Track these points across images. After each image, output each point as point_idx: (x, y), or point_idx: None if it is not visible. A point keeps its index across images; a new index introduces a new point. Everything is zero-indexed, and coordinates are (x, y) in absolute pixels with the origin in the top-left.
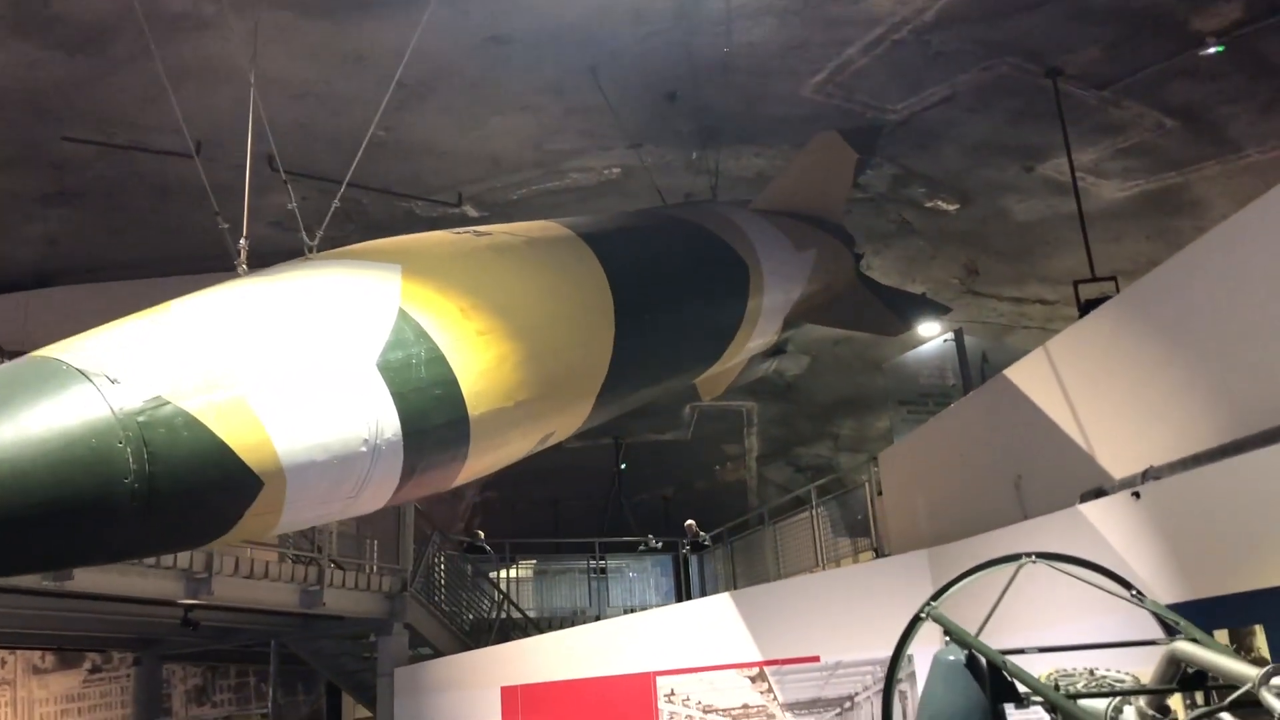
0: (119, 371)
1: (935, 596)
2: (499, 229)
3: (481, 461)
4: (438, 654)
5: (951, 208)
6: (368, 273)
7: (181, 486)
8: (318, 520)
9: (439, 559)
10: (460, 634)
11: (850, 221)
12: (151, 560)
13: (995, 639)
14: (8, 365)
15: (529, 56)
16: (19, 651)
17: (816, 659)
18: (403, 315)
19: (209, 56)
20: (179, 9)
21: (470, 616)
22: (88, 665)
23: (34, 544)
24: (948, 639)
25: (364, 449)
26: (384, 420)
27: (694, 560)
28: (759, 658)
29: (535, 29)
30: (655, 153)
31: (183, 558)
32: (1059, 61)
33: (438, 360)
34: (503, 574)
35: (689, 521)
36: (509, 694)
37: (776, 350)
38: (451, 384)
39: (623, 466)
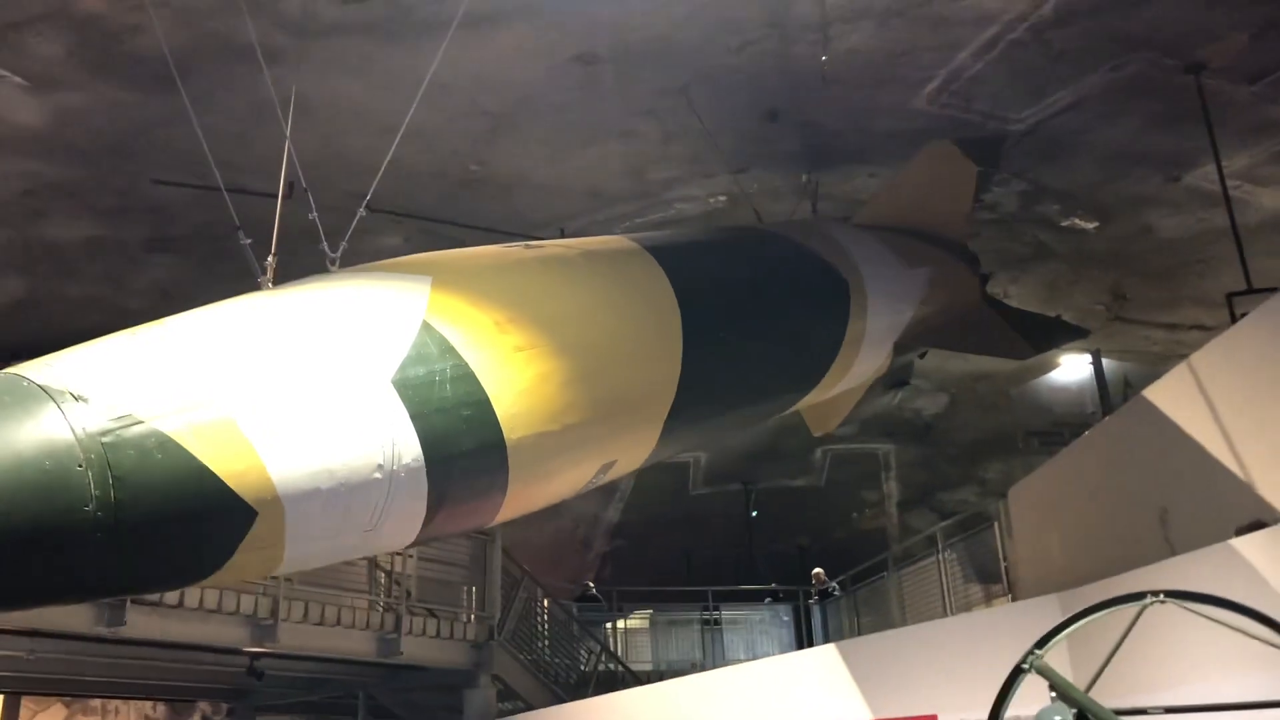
0: (89, 388)
1: (1041, 644)
2: (554, 243)
3: (527, 493)
4: (528, 708)
5: (1090, 226)
6: (392, 284)
7: (155, 516)
8: (337, 556)
9: (537, 606)
10: (555, 687)
11: (980, 245)
12: (212, 605)
13: (1114, 697)
14: None
15: (618, 77)
16: (132, 702)
17: (934, 718)
18: (426, 328)
19: (288, 91)
20: (247, 40)
21: (568, 668)
22: (198, 716)
23: None
24: (1054, 695)
25: (379, 476)
26: (402, 444)
27: (817, 611)
28: (869, 716)
29: (621, 46)
30: (760, 178)
31: (246, 603)
32: (1200, 54)
33: (466, 378)
34: (618, 625)
35: (816, 570)
36: None
37: (899, 382)
38: (483, 404)
39: (754, 515)
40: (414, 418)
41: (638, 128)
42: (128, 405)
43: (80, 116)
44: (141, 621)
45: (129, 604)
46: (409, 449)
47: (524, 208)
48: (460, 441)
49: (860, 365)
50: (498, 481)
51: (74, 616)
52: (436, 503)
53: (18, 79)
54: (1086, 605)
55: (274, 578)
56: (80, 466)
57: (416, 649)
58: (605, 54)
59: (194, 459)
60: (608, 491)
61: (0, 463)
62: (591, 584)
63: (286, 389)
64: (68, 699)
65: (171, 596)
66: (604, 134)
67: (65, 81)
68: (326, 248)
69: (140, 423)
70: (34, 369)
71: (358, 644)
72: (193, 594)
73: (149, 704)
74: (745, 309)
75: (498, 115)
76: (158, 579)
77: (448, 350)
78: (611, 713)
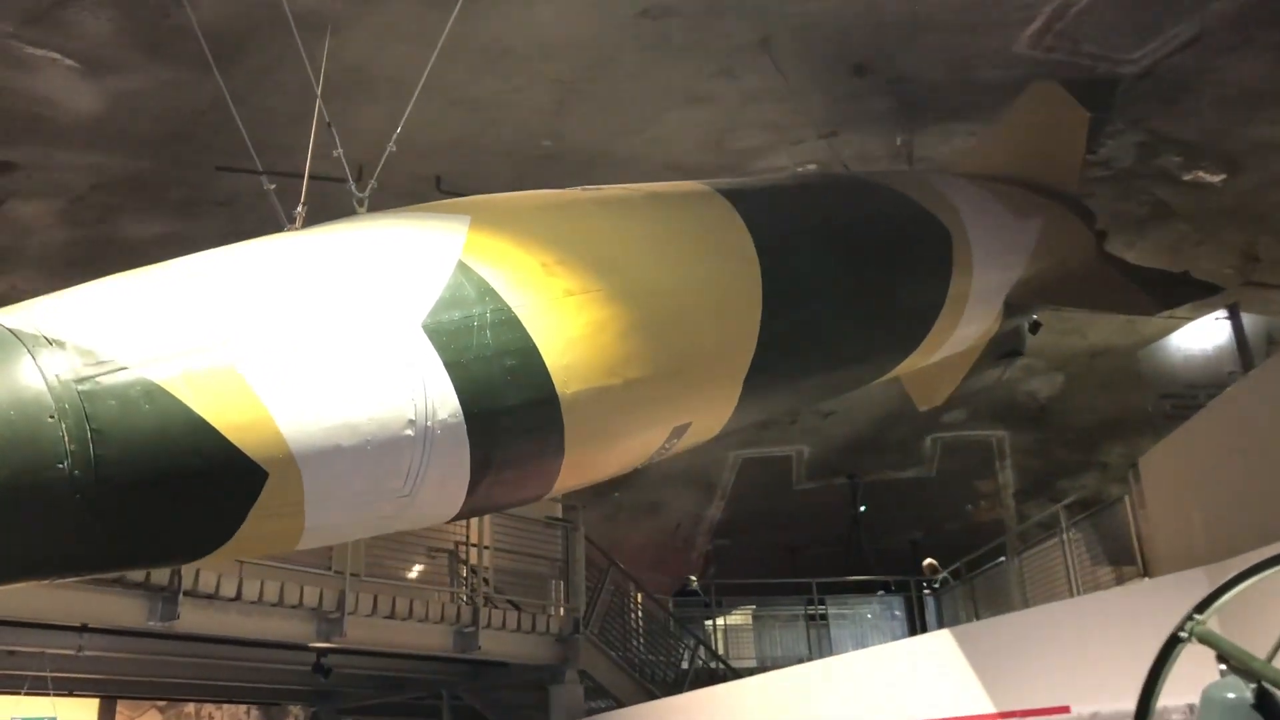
0: (68, 331)
1: (1201, 607)
2: (615, 186)
3: (588, 457)
4: (619, 705)
5: (1216, 179)
6: (424, 223)
7: (144, 476)
8: (370, 527)
9: (629, 601)
10: (648, 684)
11: (1092, 207)
12: (274, 597)
13: None
14: None
15: (690, 33)
16: (226, 707)
17: (1067, 709)
18: (463, 269)
19: (351, 66)
20: (304, 6)
21: (665, 665)
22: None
23: None
24: (1224, 667)
25: (410, 433)
26: (436, 396)
27: (931, 603)
28: (992, 709)
29: None
30: (852, 141)
31: (310, 594)
32: None
33: (509, 323)
34: (718, 621)
35: (928, 561)
36: None
37: (1011, 352)
38: (529, 353)
39: (862, 509)
40: (449, 366)
41: (714, 91)
42: (111, 350)
43: (137, 101)
44: (195, 616)
45: (181, 596)
46: (445, 402)
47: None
48: (504, 394)
49: (966, 326)
50: (552, 442)
51: (124, 611)
52: (481, 465)
53: (69, 61)
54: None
55: (338, 570)
56: (52, 418)
57: (496, 643)
58: (675, 3)
59: (188, 410)
60: (707, 488)
61: None
62: (693, 579)
63: (298, 333)
64: (162, 704)
65: (228, 588)
66: (678, 100)
67: (117, 63)
68: (354, 187)
69: (124, 369)
70: (6, 313)
71: (433, 638)
72: (251, 585)
73: (243, 708)
74: (832, 258)
75: (566, 84)
76: (152, 551)
77: (487, 293)
78: (711, 707)
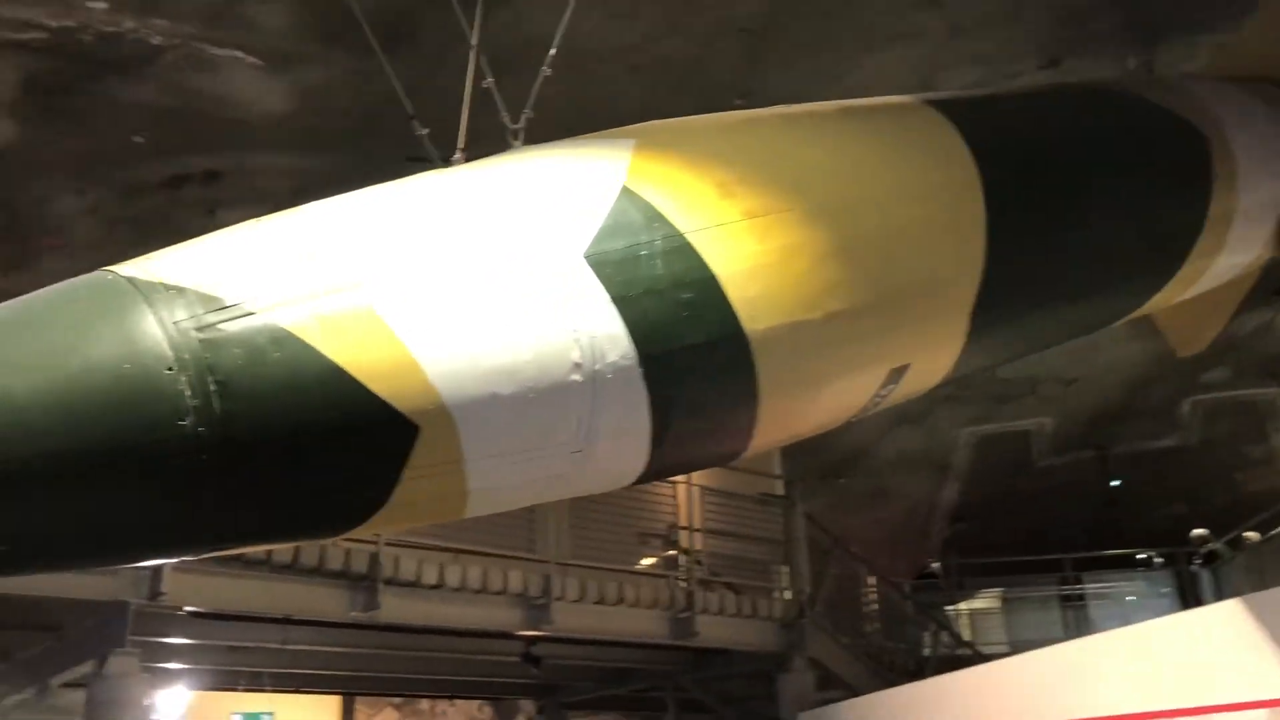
0: (188, 277)
1: None
2: (803, 105)
3: (789, 404)
4: (853, 693)
5: None
6: (585, 150)
7: (276, 432)
8: (544, 489)
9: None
10: (888, 673)
11: None
12: (476, 583)
13: None
14: (51, 288)
15: None
16: (458, 702)
17: None
18: (627, 194)
19: (521, 36)
20: None
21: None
22: (523, 717)
23: (45, 519)
24: None
25: (577, 378)
26: (604, 335)
27: (1205, 576)
28: None
29: None
30: (1075, 68)
31: (515, 580)
32: None
33: (682, 250)
34: (963, 605)
35: (1196, 531)
36: None
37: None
38: (708, 284)
39: (1115, 483)
40: (617, 301)
41: (918, 24)
42: (235, 294)
43: (323, 95)
44: (397, 605)
45: (382, 585)
46: (615, 342)
47: None
48: (682, 332)
49: (1230, 254)
50: (743, 387)
51: (326, 601)
52: (663, 414)
53: (252, 59)
54: None
55: (544, 559)
56: (170, 370)
57: (714, 629)
58: None
59: (323, 358)
60: (939, 469)
61: (64, 370)
62: (933, 562)
63: (443, 270)
64: (398, 700)
65: (430, 575)
66: (878, 39)
67: (298, 56)
68: (506, 118)
69: (250, 314)
70: (127, 264)
71: (646, 625)
72: (453, 571)
73: (474, 704)
74: (1065, 171)
75: (755, 31)
76: (294, 521)
77: (655, 218)
78: (959, 692)
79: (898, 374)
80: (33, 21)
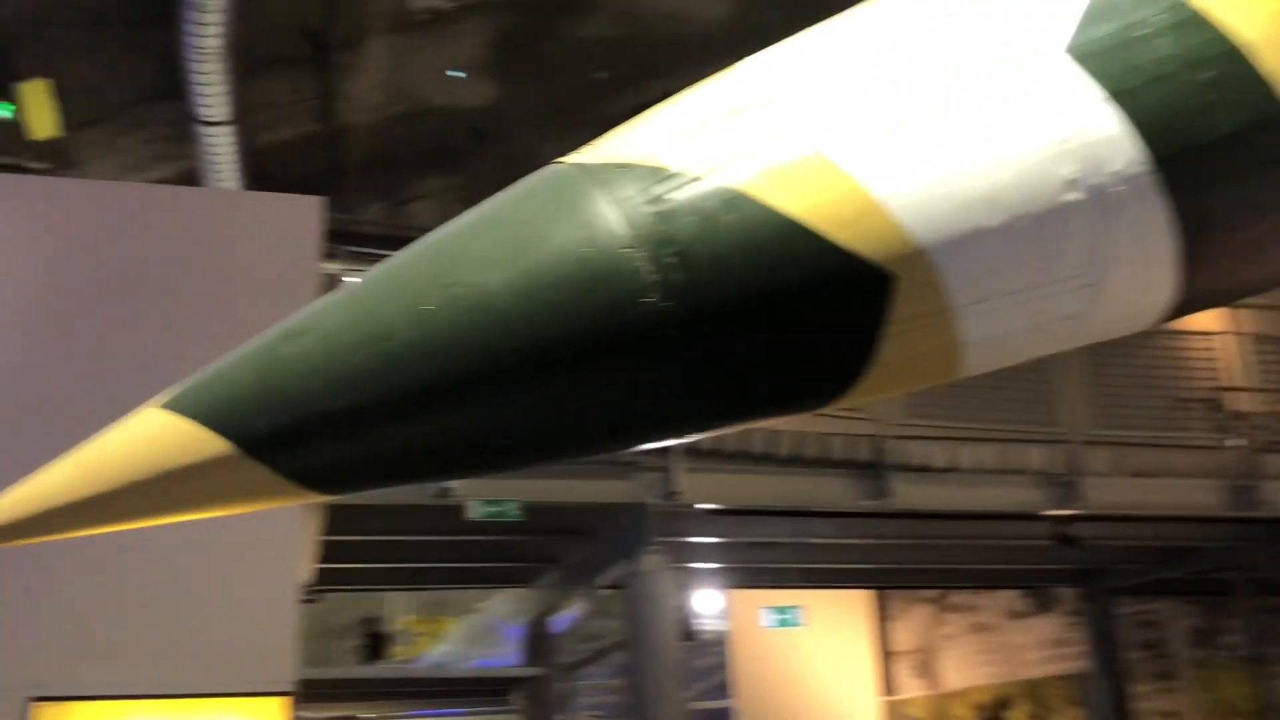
0: (632, 153)
1: None
2: None
3: None
4: None
5: None
6: None
7: (741, 300)
8: (1054, 338)
9: None
10: None
11: None
12: (993, 464)
13: None
14: (508, 188)
15: None
16: (994, 593)
17: None
18: None
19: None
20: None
21: None
22: (1061, 608)
23: (529, 413)
24: None
25: (1074, 196)
26: (1103, 141)
27: None
28: None
29: None
30: None
31: (1035, 457)
32: None
33: (1190, 22)
34: None
35: None
36: None
37: None
38: (1232, 58)
39: None
40: (1115, 97)
41: None
42: (680, 161)
43: None
44: (908, 491)
45: (889, 471)
46: (1118, 147)
47: None
48: (1205, 122)
49: None
50: None
51: (836, 492)
52: (1191, 229)
53: None
54: None
55: (1065, 438)
56: (627, 248)
57: None
58: None
59: (777, 214)
60: None
61: (530, 262)
62: None
63: (897, 96)
64: (932, 594)
65: (940, 458)
66: None
67: None
68: None
69: (696, 179)
70: (574, 154)
71: (1197, 497)
72: (966, 452)
73: (1011, 595)
74: None
75: None
76: (772, 394)
77: None
78: None
79: None
80: None
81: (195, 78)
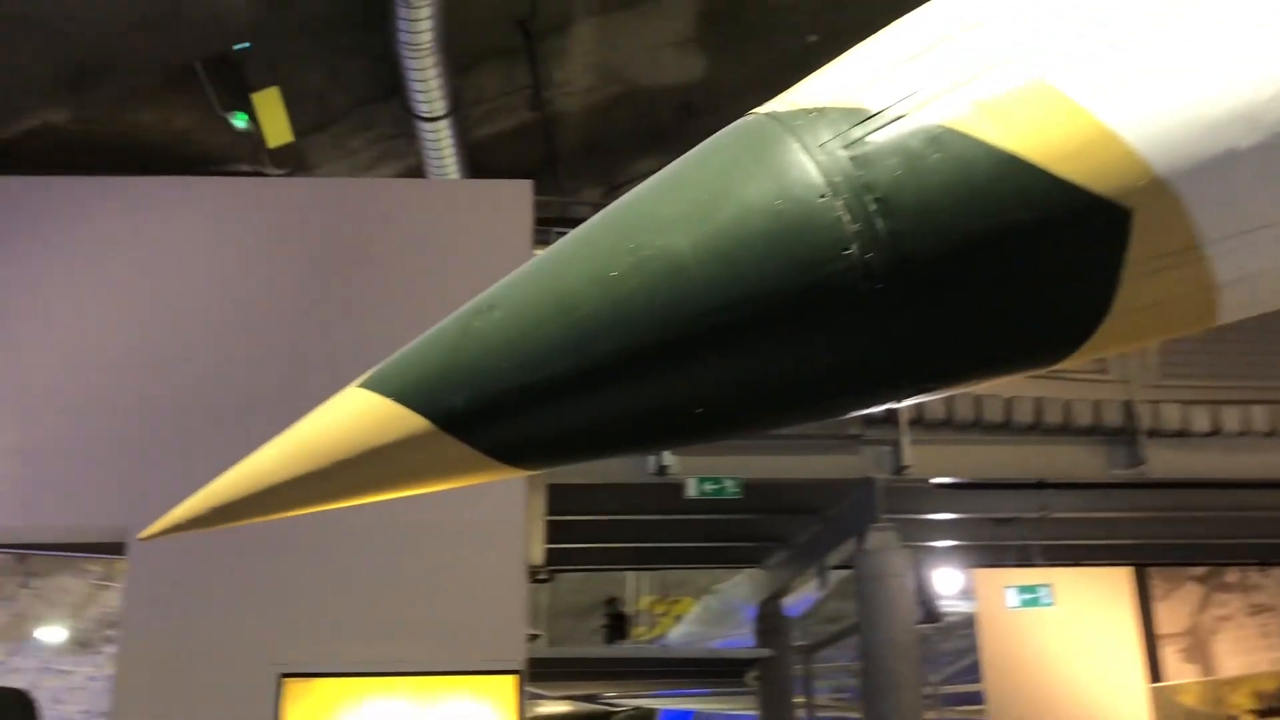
0: (826, 95)
1: None
2: None
3: None
4: None
5: None
6: None
7: (955, 246)
8: None
9: None
10: None
11: None
12: (1264, 427)
13: None
14: (699, 145)
15: None
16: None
17: None
18: None
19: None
20: None
21: None
22: None
23: (728, 378)
24: None
25: None
26: None
27: None
28: None
29: None
30: None
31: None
32: None
33: None
34: None
35: None
36: None
37: None
38: None
39: None
40: None
41: None
42: (879, 99)
43: None
44: (1165, 458)
45: (1142, 437)
46: None
47: None
48: None
49: None
50: None
51: (1081, 461)
52: None
53: None
54: None
55: None
56: (824, 197)
57: None
58: None
59: (992, 149)
60: None
61: (719, 220)
62: None
63: (1126, 8)
64: (1200, 571)
65: (1201, 422)
66: None
67: None
68: None
69: (899, 118)
70: (767, 104)
71: None
72: (1231, 415)
73: None
74: None
75: None
76: (997, 348)
77: None
78: None
79: None
80: None
81: (412, 74)
